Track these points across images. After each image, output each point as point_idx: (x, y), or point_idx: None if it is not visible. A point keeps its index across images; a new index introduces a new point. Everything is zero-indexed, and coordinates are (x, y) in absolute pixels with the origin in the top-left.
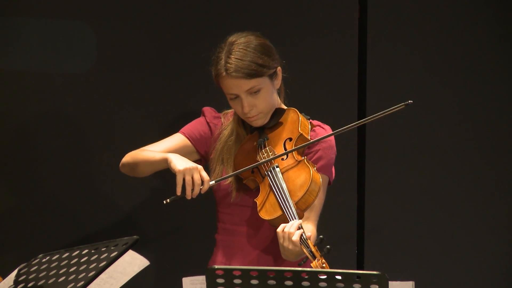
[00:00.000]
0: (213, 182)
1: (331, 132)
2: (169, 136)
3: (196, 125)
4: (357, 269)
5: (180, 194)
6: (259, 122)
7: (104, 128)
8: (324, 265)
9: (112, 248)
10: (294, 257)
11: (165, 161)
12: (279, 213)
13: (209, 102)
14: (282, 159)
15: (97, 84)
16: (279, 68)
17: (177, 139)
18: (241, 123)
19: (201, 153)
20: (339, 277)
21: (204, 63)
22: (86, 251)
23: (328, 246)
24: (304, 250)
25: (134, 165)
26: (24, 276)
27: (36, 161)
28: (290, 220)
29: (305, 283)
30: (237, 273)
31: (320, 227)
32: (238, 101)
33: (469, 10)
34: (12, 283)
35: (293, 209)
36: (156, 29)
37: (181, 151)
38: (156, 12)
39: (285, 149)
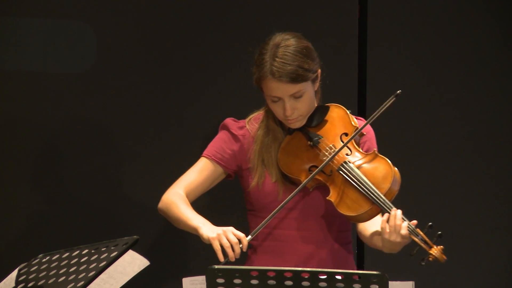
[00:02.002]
0: (250, 236)
1: (368, 120)
2: (186, 156)
3: (220, 145)
4: (357, 269)
5: (224, 259)
6: (297, 124)
7: (104, 128)
8: (442, 251)
9: (112, 248)
10: (399, 249)
11: (196, 230)
12: (366, 207)
13: (209, 102)
14: (347, 154)
15: (96, 84)
16: (319, 70)
17: (205, 166)
18: (278, 122)
19: (233, 169)
20: (339, 277)
21: (206, 65)
22: (86, 251)
23: (439, 232)
24: (416, 239)
25: (167, 217)
26: (24, 276)
27: (35, 161)
28: (387, 212)
29: (305, 283)
30: (237, 273)
31: None
32: (280, 103)
33: (469, 10)
34: (12, 283)
35: (386, 200)
36: (156, 29)
37: (212, 178)
38: (157, 12)
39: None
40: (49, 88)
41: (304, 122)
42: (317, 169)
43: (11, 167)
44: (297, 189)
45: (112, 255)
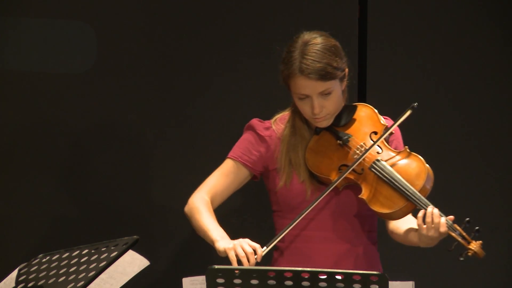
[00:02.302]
0: (265, 248)
1: (396, 122)
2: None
3: (246, 146)
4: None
5: None
6: (324, 123)
7: (104, 129)
8: (481, 246)
9: (112, 248)
10: (436, 242)
11: (213, 243)
12: (401, 204)
13: (210, 102)
14: (378, 152)
15: (97, 84)
16: (346, 69)
17: (231, 168)
18: (305, 122)
19: (259, 170)
20: (339, 277)
21: (208, 63)
22: (86, 251)
23: (477, 228)
24: (453, 234)
25: (190, 222)
26: (24, 276)
27: (33, 162)
28: (422, 208)
29: (305, 283)
30: (237, 273)
31: None
32: (308, 101)
33: (469, 10)
34: (12, 283)
35: (422, 196)
36: (157, 29)
37: (238, 180)
38: (158, 12)
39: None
40: (49, 88)
41: (331, 121)
42: (349, 167)
43: (10, 167)
44: (327, 189)
45: (112, 255)
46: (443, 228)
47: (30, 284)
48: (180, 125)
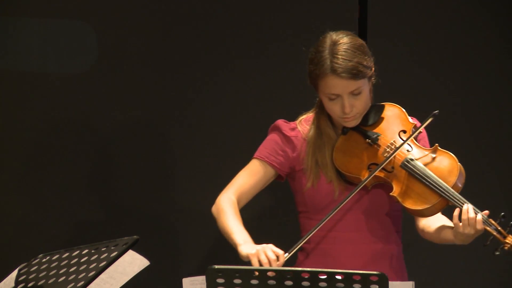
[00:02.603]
0: (287, 254)
1: (419, 127)
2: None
3: (273, 146)
4: None
5: None
6: (353, 122)
7: (104, 129)
8: None
9: (112, 248)
10: (471, 240)
11: (236, 246)
12: (434, 200)
13: (210, 101)
14: (408, 150)
15: (97, 84)
16: (373, 68)
17: (258, 168)
18: (330, 123)
19: (286, 171)
20: (339, 277)
21: (208, 62)
22: (86, 251)
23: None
24: (489, 229)
25: (216, 222)
26: (24, 276)
27: (33, 161)
28: (457, 205)
29: (305, 283)
30: (237, 273)
31: None
32: (338, 101)
33: (469, 10)
34: (12, 283)
35: (455, 192)
36: (157, 28)
37: (264, 180)
38: (158, 11)
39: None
40: (49, 88)
41: (359, 120)
42: (379, 165)
43: (10, 167)
44: (357, 187)
45: (112, 255)
46: (479, 225)
47: (30, 284)
48: (185, 125)
